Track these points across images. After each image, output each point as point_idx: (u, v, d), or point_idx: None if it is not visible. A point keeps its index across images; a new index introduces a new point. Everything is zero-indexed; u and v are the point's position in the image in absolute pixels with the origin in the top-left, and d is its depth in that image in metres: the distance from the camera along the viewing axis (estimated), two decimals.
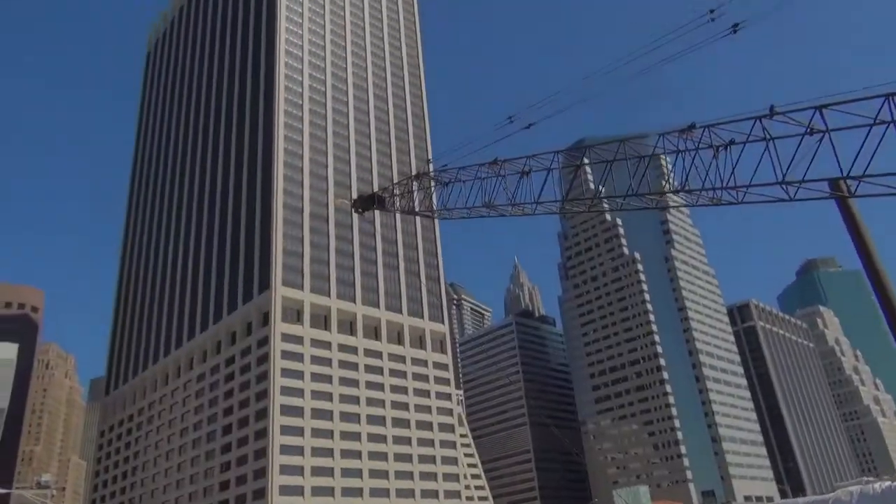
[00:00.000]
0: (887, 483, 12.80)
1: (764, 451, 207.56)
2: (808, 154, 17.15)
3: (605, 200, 24.43)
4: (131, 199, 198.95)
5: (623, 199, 23.17)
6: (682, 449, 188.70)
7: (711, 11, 20.45)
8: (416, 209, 31.93)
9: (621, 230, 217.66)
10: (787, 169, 17.60)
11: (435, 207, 30.67)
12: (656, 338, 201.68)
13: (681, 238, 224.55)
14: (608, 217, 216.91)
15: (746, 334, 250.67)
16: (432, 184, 31.10)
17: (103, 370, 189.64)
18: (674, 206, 20.71)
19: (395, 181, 34.29)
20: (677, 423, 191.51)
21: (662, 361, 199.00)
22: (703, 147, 19.69)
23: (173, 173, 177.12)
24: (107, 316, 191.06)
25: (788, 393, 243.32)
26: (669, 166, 21.79)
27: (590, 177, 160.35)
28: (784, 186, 17.97)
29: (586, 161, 27.66)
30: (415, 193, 32.63)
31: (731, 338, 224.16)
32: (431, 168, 32.45)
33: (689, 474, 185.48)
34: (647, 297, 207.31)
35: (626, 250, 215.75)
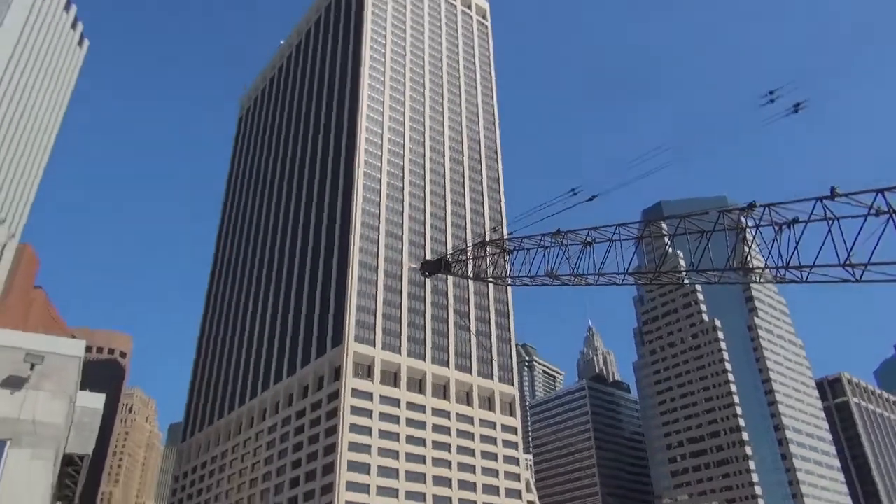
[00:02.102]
0: None
1: None
2: (872, 234, 16.88)
3: (668, 274, 24.37)
4: (217, 251, 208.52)
5: (684, 274, 23.12)
6: None
7: (771, 93, 20.71)
8: (481, 276, 32.57)
9: (700, 296, 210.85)
10: (851, 250, 17.35)
11: (499, 275, 31.25)
12: (738, 410, 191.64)
13: (765, 306, 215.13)
14: (686, 282, 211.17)
15: (839, 410, 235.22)
16: (505, 254, 31.64)
17: (182, 415, 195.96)
18: (736, 283, 20.52)
19: (462, 247, 35.05)
20: (762, 503, 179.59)
21: (745, 436, 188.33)
22: (763, 225, 19.64)
23: (257, 229, 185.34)
24: (188, 361, 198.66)
25: (888, 478, 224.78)
26: (750, 240, 21.52)
27: (667, 242, 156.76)
28: (851, 269, 17.66)
29: (659, 233, 27.73)
30: (481, 259, 33.33)
31: (822, 414, 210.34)
32: (502, 234, 33.19)
33: None
34: (728, 366, 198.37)
35: (705, 317, 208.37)
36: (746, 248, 19.45)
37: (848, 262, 17.47)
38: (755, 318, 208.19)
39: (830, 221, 17.90)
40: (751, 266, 19.99)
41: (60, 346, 18.78)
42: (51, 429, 17.84)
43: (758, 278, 20.40)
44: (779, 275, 19.63)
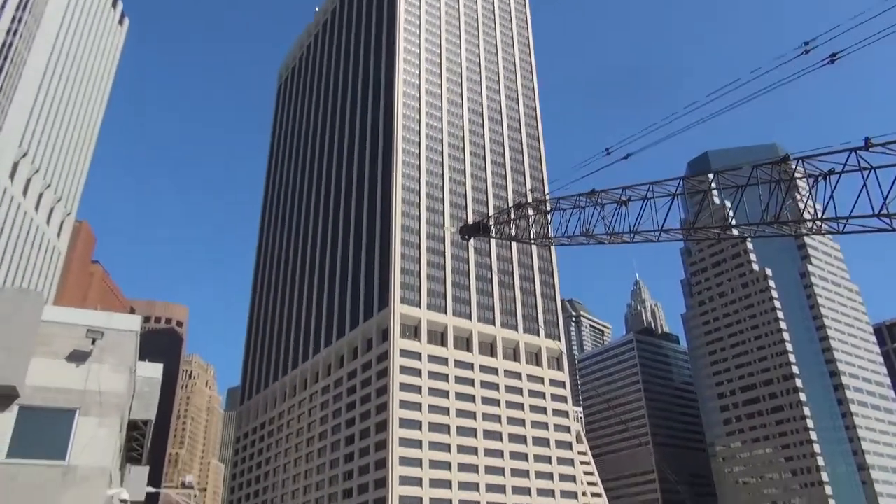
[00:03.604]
0: None
1: None
2: None
3: (702, 230, 24.30)
4: (263, 220, 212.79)
5: (720, 231, 23.05)
6: (824, 476, 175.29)
7: (806, 44, 20.18)
8: (520, 237, 32.87)
9: (750, 245, 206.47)
10: (886, 199, 17.08)
11: (537, 235, 31.52)
12: (791, 357, 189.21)
13: (818, 253, 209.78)
14: (735, 232, 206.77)
15: None
16: (543, 215, 31.78)
17: (239, 380, 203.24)
18: (772, 236, 20.44)
19: (500, 210, 35.45)
20: (817, 448, 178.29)
21: (799, 382, 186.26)
22: (798, 177, 19.39)
23: (300, 198, 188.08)
24: (242, 329, 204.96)
25: None
26: (785, 193, 21.06)
27: (716, 199, 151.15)
28: (888, 218, 17.40)
29: (693, 189, 27.54)
30: (519, 221, 33.55)
31: (880, 358, 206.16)
32: (544, 195, 33.31)
33: (831, 503, 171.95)
34: (779, 314, 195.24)
35: (755, 266, 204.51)
36: (782, 202, 19.31)
37: (884, 212, 17.24)
38: (808, 266, 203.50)
39: (866, 172, 17.63)
40: (787, 219, 19.81)
41: (118, 322, 20.08)
42: (114, 398, 19.20)
43: (793, 231, 20.24)
44: (815, 227, 19.47)
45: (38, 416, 18.05)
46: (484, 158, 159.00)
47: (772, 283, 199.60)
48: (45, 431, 18.22)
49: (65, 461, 17.91)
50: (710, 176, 24.55)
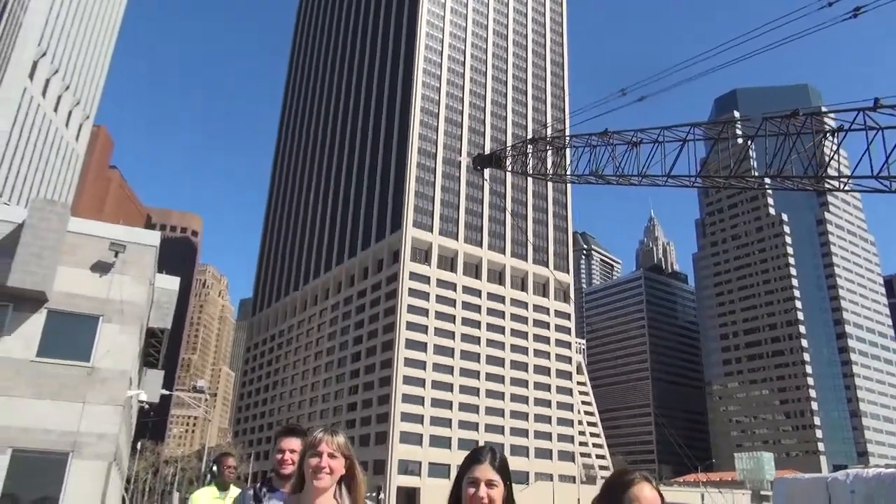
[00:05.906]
0: (878, 470, 13.63)
1: None
2: None
3: (708, 179, 24.61)
4: (281, 134, 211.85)
5: (725, 181, 23.39)
6: (816, 420, 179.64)
7: None
8: (531, 171, 33.27)
9: (768, 189, 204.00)
10: (887, 162, 17.35)
11: (548, 172, 31.89)
12: (798, 304, 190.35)
13: (837, 201, 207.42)
14: (756, 174, 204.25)
15: None
16: (557, 151, 32.09)
17: (251, 292, 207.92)
18: (775, 188, 20.88)
19: (514, 143, 35.66)
20: (812, 393, 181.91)
21: (802, 329, 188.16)
22: (805, 133, 19.59)
23: (319, 112, 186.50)
24: (256, 242, 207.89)
25: None
26: (789, 147, 21.06)
27: (739, 140, 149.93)
28: (887, 180, 17.73)
29: (691, 138, 27.64)
30: (532, 155, 33.84)
31: (886, 310, 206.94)
32: (564, 131, 33.47)
33: (821, 446, 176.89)
34: (791, 260, 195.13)
35: (772, 210, 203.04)
36: (787, 156, 19.55)
37: (883, 174, 17.55)
38: (825, 213, 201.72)
39: (872, 132, 17.80)
40: (790, 174, 20.15)
41: (140, 236, 21.11)
42: (134, 308, 20.42)
43: (795, 186, 20.60)
44: (818, 183, 19.82)
45: (65, 320, 19.34)
46: (506, 84, 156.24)
47: (787, 229, 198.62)
48: (71, 335, 19.54)
49: (89, 363, 19.30)
50: (734, 124, 24.78)
